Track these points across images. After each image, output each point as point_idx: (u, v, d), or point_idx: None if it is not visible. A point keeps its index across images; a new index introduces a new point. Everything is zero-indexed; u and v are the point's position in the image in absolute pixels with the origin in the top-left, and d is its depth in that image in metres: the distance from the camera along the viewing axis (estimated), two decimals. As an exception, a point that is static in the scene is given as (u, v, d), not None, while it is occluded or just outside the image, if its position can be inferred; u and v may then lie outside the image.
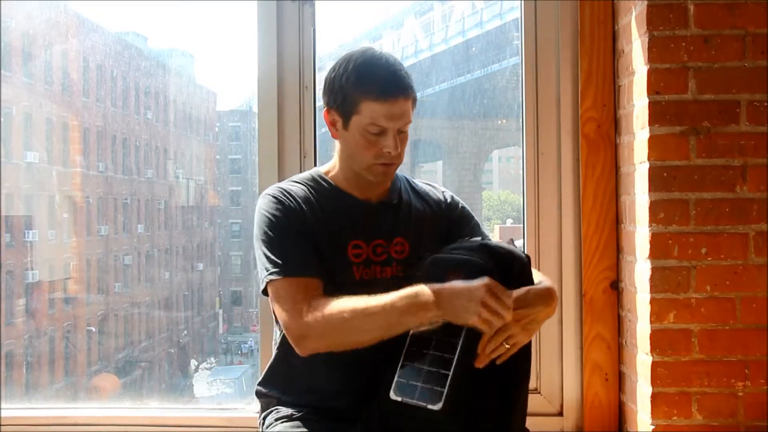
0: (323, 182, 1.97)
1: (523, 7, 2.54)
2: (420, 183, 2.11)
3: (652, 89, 2.14)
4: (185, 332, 4.72)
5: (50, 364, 4.08)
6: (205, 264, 4.75)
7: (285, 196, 1.90)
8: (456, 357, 1.68)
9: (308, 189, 1.94)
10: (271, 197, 1.90)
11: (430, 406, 1.66)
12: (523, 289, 1.74)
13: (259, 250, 1.88)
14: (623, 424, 2.41)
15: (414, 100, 1.87)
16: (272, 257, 1.84)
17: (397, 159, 1.89)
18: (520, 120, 2.56)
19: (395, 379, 1.73)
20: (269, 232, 1.87)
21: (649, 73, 2.14)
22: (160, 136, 4.52)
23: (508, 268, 1.76)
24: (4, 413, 2.60)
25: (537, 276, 1.88)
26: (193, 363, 4.71)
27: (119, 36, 4.17)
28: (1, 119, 3.68)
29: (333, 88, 1.88)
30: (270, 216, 1.87)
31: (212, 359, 4.83)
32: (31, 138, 4.00)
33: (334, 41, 4.04)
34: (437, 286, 1.69)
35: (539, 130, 2.51)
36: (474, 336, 1.69)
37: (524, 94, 2.53)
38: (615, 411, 2.44)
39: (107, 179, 4.30)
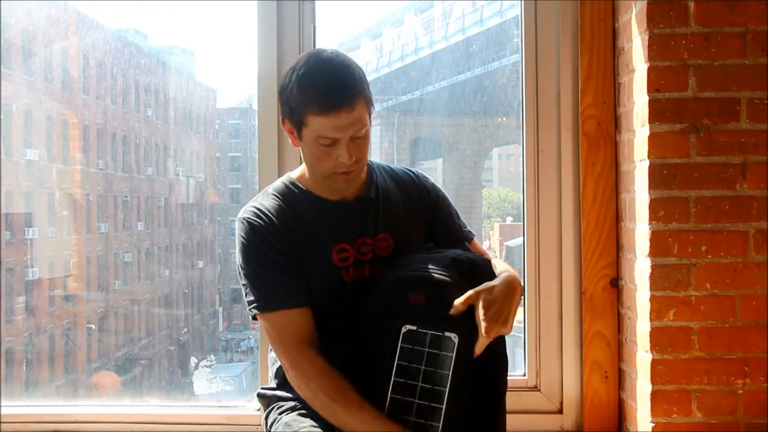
0: (296, 189, 1.93)
1: (523, 4, 2.53)
2: (397, 169, 2.07)
3: (653, 87, 2.14)
4: (185, 330, 4.73)
5: (50, 361, 4.08)
6: (205, 261, 4.76)
7: (260, 218, 1.87)
8: (448, 389, 1.65)
9: (282, 201, 1.90)
10: (246, 224, 1.88)
11: None
12: (485, 286, 1.75)
13: (241, 279, 1.89)
14: (623, 422, 2.41)
15: (366, 103, 1.78)
16: (252, 290, 1.86)
17: (356, 165, 1.82)
18: (521, 117, 2.56)
19: (385, 413, 1.68)
20: (247, 265, 1.87)
21: (650, 70, 2.14)
22: (160, 133, 4.53)
23: (472, 277, 1.77)
24: (4, 410, 2.60)
25: (500, 265, 1.89)
26: (193, 360, 4.72)
27: (119, 33, 4.17)
28: (1, 116, 3.68)
29: (282, 98, 1.84)
30: (246, 245, 1.87)
31: (212, 357, 4.84)
32: (31, 135, 4.00)
33: (334, 39, 4.04)
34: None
35: (539, 128, 2.51)
36: (462, 365, 1.67)
37: (524, 91, 2.52)
38: (615, 408, 2.44)
39: (107, 177, 4.30)
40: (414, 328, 1.69)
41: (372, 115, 1.85)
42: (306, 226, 1.88)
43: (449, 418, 1.64)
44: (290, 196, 1.92)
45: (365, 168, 1.95)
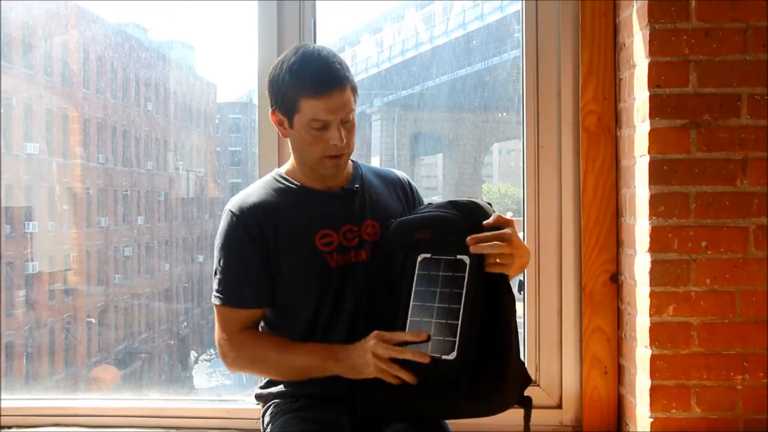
0: (284, 182, 2.00)
1: (524, 0, 2.53)
2: (381, 168, 2.18)
3: (653, 82, 2.14)
4: (185, 324, 4.73)
5: (50, 355, 4.08)
6: (205, 256, 4.75)
7: (242, 212, 1.94)
8: (462, 306, 1.72)
9: (268, 193, 1.98)
10: (229, 218, 1.96)
11: (444, 357, 1.71)
12: (513, 222, 1.84)
13: (215, 264, 1.99)
14: (622, 417, 2.42)
15: (353, 90, 1.89)
16: (219, 282, 1.98)
17: (346, 149, 1.91)
18: (521, 113, 2.56)
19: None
20: (221, 257, 1.97)
21: (650, 66, 2.14)
22: (160, 127, 4.53)
23: (473, 217, 1.83)
24: (4, 404, 2.61)
25: None
26: (193, 355, 4.72)
27: (119, 27, 4.17)
28: (1, 110, 3.68)
29: (273, 89, 1.92)
30: (224, 239, 1.97)
31: (212, 351, 4.83)
32: (32, 129, 4.00)
33: (335, 33, 4.04)
34: (337, 347, 1.85)
35: (540, 123, 2.51)
36: (475, 283, 1.75)
37: (525, 86, 2.52)
38: (614, 404, 2.44)
39: (107, 171, 4.30)
40: (429, 255, 1.80)
41: (357, 103, 1.94)
42: (291, 215, 1.95)
43: (464, 335, 1.72)
44: (279, 188, 2.00)
45: (351, 163, 2.05)
